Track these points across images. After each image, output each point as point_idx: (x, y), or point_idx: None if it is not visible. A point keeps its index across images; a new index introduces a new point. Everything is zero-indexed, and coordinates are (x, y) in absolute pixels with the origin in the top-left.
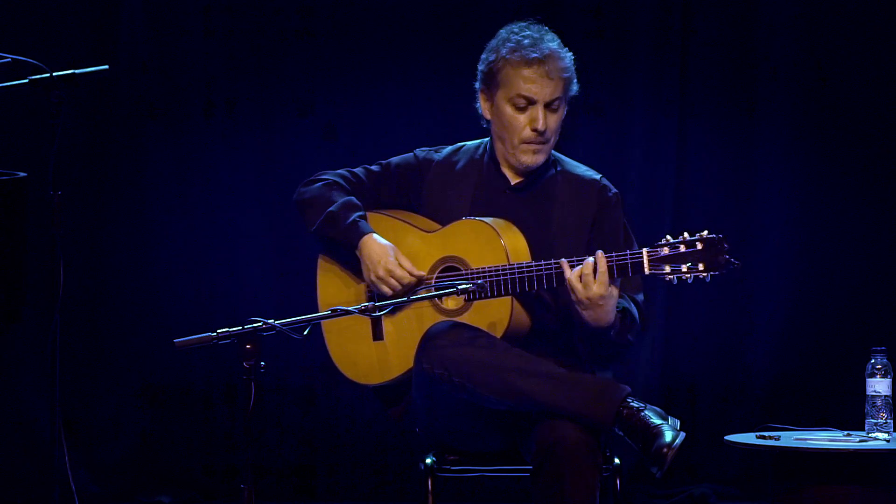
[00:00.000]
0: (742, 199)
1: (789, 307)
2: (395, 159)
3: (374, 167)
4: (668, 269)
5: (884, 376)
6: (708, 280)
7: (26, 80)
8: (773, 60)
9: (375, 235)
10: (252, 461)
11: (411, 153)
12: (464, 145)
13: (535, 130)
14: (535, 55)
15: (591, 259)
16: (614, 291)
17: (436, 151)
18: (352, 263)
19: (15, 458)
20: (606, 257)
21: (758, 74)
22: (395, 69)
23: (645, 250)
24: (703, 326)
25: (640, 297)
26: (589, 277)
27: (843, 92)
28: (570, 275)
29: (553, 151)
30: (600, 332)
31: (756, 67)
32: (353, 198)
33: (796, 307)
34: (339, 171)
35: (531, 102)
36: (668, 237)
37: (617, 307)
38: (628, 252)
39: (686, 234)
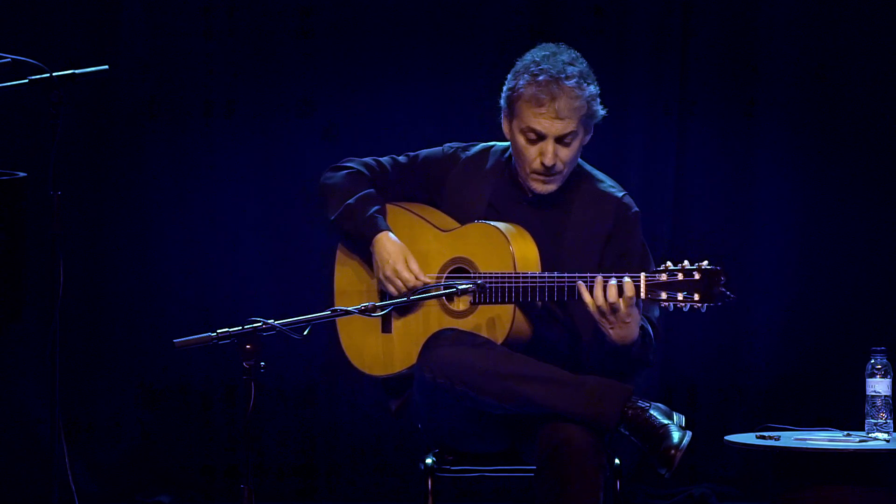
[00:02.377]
0: (742, 199)
1: (789, 307)
2: (423, 152)
3: (401, 158)
4: (664, 295)
5: (884, 376)
6: (703, 311)
7: (26, 80)
8: (773, 60)
9: (390, 234)
10: (252, 461)
11: (440, 147)
12: (494, 145)
13: (543, 164)
14: (544, 96)
15: (613, 281)
16: (636, 310)
17: (464, 149)
18: (368, 257)
19: (15, 458)
20: (604, 278)
21: (758, 75)
22: (395, 69)
23: (643, 275)
24: (703, 326)
25: (657, 312)
26: (613, 300)
27: (843, 92)
28: (590, 299)
29: (581, 162)
30: (623, 350)
31: (756, 68)
32: (372, 190)
33: (796, 307)
34: (365, 159)
35: (541, 137)
36: (669, 264)
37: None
38: (626, 275)
39: (686, 263)
